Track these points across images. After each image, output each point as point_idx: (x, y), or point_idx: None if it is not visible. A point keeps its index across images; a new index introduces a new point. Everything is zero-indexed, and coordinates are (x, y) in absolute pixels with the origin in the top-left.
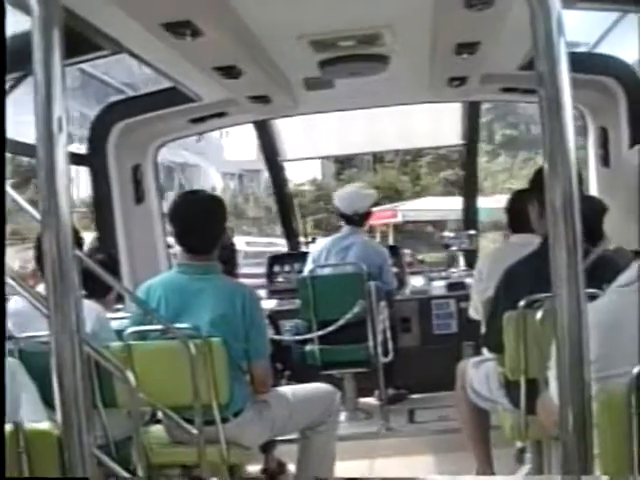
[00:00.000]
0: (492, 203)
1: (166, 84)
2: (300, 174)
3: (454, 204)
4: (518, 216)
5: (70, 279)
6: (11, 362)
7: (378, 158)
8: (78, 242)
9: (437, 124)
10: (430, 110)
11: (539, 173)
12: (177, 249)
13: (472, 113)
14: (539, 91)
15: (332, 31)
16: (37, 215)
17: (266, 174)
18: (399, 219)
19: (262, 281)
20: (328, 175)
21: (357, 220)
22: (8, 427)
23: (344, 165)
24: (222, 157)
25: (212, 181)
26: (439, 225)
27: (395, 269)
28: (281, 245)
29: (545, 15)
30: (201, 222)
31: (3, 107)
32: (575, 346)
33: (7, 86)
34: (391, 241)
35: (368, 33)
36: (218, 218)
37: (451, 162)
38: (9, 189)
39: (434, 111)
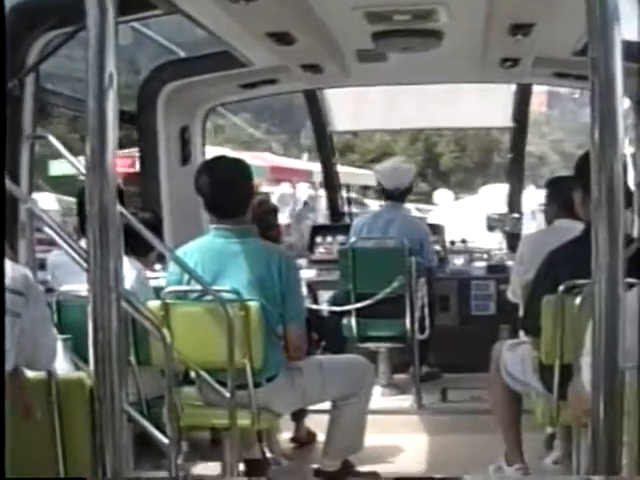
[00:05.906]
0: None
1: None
2: None
3: None
4: (562, 201)
5: (112, 235)
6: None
7: None
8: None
9: (485, 105)
10: (478, 90)
11: (585, 159)
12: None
13: (523, 96)
14: (591, 77)
15: (387, 4)
16: (82, 169)
17: None
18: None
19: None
20: None
21: (398, 195)
22: (41, 375)
23: None
24: None
25: None
26: None
27: (437, 247)
28: None
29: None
30: (227, 185)
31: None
32: (610, 333)
33: (60, 40)
34: None
35: (423, 8)
36: (244, 180)
37: None
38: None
39: (482, 91)
